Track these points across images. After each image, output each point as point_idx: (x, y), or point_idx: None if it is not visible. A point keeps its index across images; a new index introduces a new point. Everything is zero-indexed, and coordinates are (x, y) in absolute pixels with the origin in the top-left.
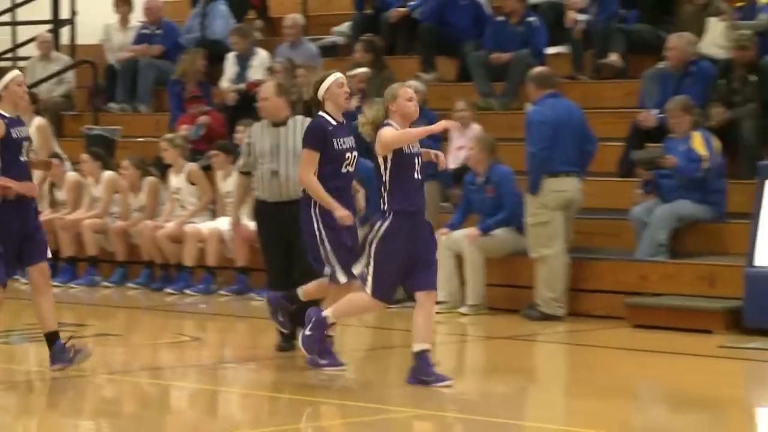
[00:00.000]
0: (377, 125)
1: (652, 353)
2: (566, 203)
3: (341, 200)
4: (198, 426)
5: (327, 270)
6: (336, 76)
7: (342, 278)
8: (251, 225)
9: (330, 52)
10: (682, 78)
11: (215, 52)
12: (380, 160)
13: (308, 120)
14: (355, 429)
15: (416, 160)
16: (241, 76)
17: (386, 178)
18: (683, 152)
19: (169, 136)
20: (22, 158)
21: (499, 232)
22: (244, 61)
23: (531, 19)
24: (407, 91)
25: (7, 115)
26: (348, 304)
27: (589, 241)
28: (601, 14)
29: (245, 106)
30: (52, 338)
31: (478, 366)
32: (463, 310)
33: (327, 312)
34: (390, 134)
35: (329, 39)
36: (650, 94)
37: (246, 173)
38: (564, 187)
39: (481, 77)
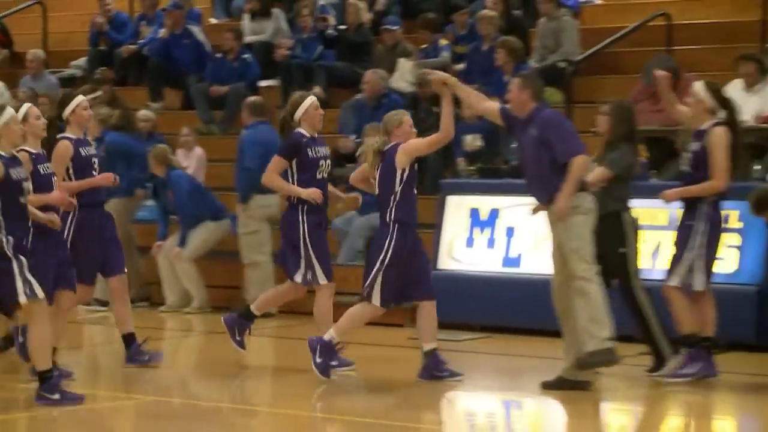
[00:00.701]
0: (380, 150)
1: (352, 345)
2: (271, 216)
3: (319, 205)
4: None
5: (300, 275)
6: (311, 99)
7: (323, 281)
8: None
9: (68, 83)
10: (376, 108)
11: None
12: (399, 172)
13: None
14: None
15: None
16: None
17: (398, 189)
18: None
19: None
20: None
21: (196, 233)
22: None
23: (245, 56)
24: (409, 120)
25: (73, 136)
26: (350, 319)
27: None
28: (305, 53)
29: None
30: (129, 339)
31: (201, 358)
32: (187, 309)
33: (331, 333)
34: (421, 142)
35: (68, 71)
36: (348, 122)
37: None
38: (269, 203)
39: (203, 106)
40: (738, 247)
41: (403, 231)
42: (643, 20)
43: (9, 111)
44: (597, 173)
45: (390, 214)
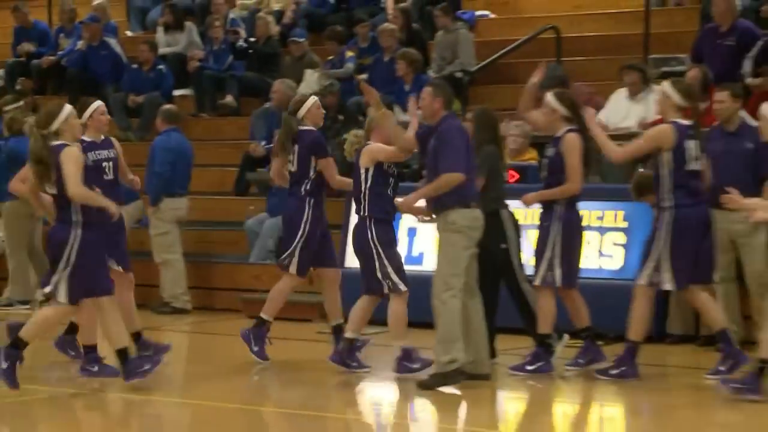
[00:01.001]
0: (357, 148)
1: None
2: (179, 218)
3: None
4: None
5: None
6: (313, 99)
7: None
8: None
9: None
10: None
11: None
12: (363, 171)
13: None
14: None
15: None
16: None
17: (366, 187)
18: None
19: None
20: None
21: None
22: None
23: (160, 66)
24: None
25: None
26: (394, 318)
27: (211, 248)
28: (217, 64)
29: None
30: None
31: None
32: None
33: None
34: (382, 150)
35: None
36: (258, 128)
37: None
38: (178, 206)
39: (121, 114)
40: (623, 245)
41: (379, 225)
42: (534, 33)
43: (96, 102)
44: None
45: (362, 210)
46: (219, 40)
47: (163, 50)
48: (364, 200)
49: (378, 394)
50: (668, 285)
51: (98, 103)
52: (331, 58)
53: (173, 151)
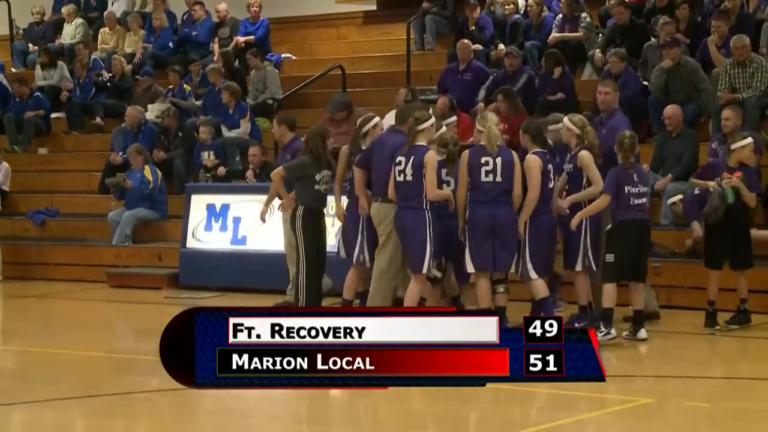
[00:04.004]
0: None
1: (128, 303)
2: None
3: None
4: None
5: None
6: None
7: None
8: None
9: None
10: (136, 133)
11: None
12: None
13: None
14: None
15: None
16: None
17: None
18: (138, 178)
19: None
20: None
21: None
22: None
23: (37, 94)
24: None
25: None
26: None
27: (82, 234)
28: (83, 94)
29: None
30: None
31: None
32: None
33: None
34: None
35: None
36: (117, 142)
37: None
38: None
39: (12, 132)
40: None
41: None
42: (325, 70)
43: None
44: None
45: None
46: (83, 76)
47: (40, 83)
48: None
49: None
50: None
51: None
52: (171, 87)
53: None
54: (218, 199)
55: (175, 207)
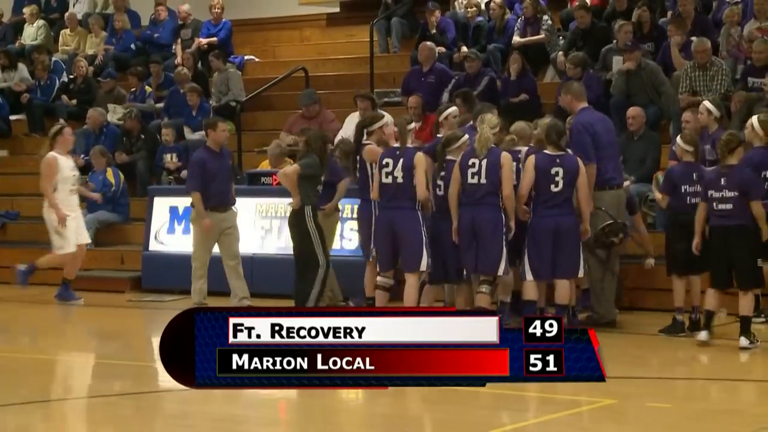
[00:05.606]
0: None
1: (90, 307)
2: None
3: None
4: None
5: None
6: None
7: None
8: None
9: None
10: (99, 135)
11: None
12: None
13: None
14: None
15: None
16: None
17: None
18: (101, 180)
19: None
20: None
21: None
22: None
23: None
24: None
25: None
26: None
27: (41, 237)
28: (44, 96)
29: None
30: None
31: None
32: None
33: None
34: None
35: None
36: (79, 144)
37: None
38: None
39: None
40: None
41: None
42: (288, 72)
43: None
44: None
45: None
46: (44, 78)
47: (0, 85)
48: None
49: None
50: None
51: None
52: (133, 90)
53: None
54: (181, 202)
55: (138, 210)
